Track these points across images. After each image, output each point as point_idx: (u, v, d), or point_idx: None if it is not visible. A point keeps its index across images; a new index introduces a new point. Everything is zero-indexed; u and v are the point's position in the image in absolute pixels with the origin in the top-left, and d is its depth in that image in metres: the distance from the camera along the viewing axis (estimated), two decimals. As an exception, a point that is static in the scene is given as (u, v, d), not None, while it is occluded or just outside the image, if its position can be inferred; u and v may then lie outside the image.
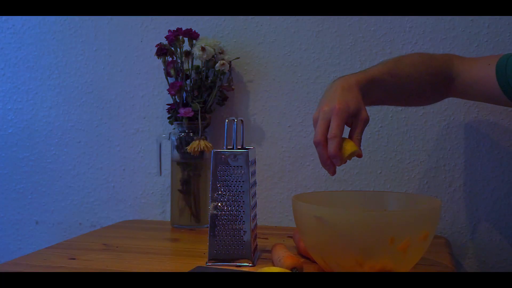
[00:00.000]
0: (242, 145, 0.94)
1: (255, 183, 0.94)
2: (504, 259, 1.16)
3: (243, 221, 0.87)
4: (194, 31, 1.20)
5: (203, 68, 1.21)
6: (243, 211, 0.87)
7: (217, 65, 1.18)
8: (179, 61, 1.20)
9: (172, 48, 1.20)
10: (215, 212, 0.87)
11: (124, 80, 1.33)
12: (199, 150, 1.15)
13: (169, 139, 1.21)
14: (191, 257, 0.93)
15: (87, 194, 1.36)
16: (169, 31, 1.19)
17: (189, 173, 1.20)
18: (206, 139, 1.17)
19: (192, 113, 1.17)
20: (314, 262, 0.87)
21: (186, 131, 1.19)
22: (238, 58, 1.25)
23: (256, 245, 0.94)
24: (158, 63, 1.25)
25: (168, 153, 1.25)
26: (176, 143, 1.20)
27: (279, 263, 0.82)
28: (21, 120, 1.39)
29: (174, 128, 1.22)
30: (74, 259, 0.91)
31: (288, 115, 1.25)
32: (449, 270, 0.89)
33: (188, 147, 1.16)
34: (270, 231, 1.17)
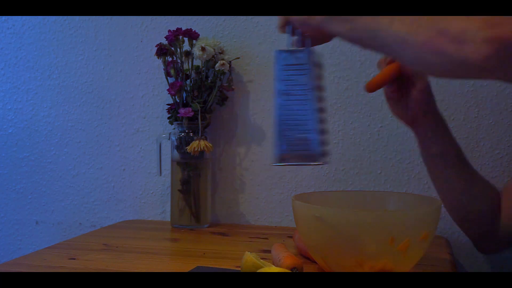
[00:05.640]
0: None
1: (322, 87, 0.86)
2: (504, 259, 1.16)
3: (311, 120, 0.78)
4: (194, 31, 1.20)
5: (203, 68, 1.21)
6: (311, 110, 0.79)
7: (217, 65, 1.18)
8: (179, 61, 1.20)
9: (172, 48, 1.20)
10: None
11: (124, 80, 1.33)
12: (199, 150, 1.15)
13: (169, 139, 1.21)
14: (191, 257, 0.93)
15: (87, 194, 1.36)
16: (169, 31, 1.19)
17: (189, 173, 1.20)
18: (206, 139, 1.17)
19: (192, 113, 1.17)
20: (314, 262, 0.87)
21: (186, 131, 1.19)
22: (238, 58, 1.24)
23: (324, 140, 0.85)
24: (158, 63, 1.25)
25: (168, 153, 1.25)
26: (176, 143, 1.20)
27: (279, 263, 0.82)
28: (21, 120, 1.39)
29: (174, 128, 1.22)
30: (74, 259, 0.91)
31: (288, 115, 1.24)
32: (449, 270, 0.89)
33: (188, 147, 1.16)
34: (270, 231, 1.17)
